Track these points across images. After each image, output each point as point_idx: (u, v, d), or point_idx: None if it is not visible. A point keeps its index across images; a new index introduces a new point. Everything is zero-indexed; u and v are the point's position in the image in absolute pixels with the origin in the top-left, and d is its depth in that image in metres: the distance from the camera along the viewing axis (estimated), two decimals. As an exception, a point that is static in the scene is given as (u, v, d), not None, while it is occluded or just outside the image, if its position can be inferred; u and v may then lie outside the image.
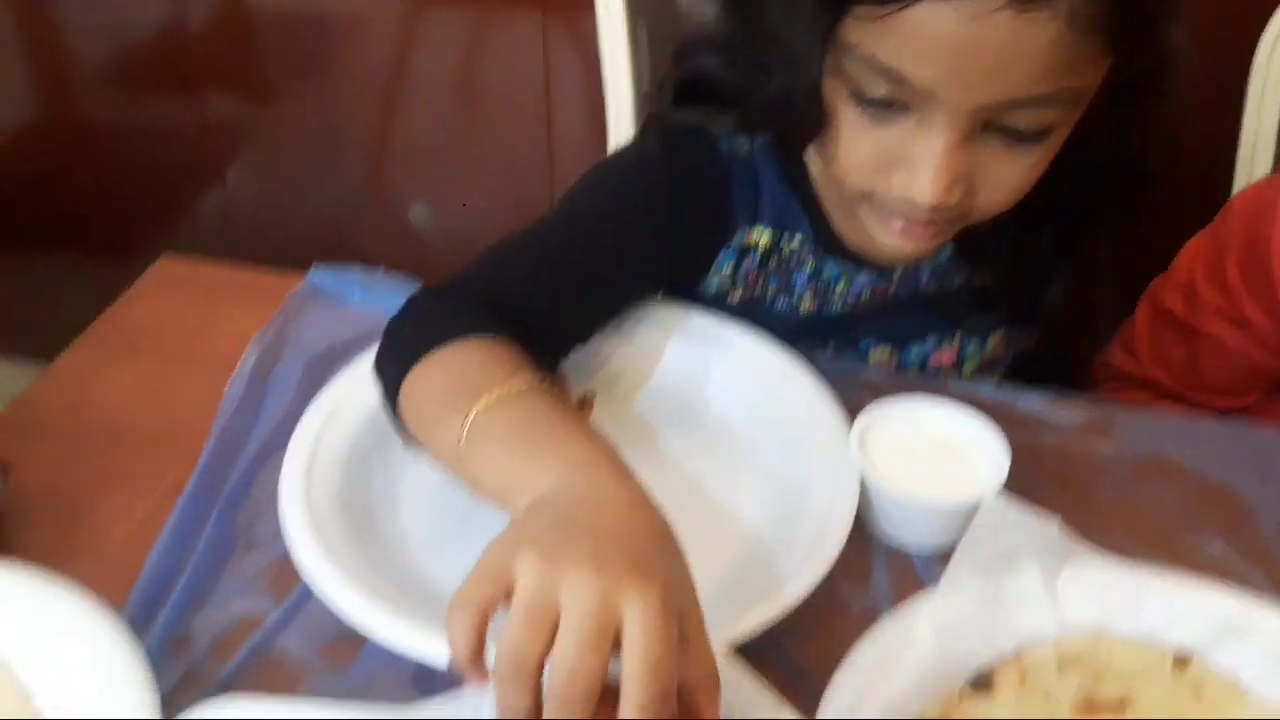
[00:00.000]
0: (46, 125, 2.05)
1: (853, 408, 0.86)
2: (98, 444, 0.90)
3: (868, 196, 0.83)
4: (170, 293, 1.07)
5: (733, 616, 0.71)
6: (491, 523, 0.76)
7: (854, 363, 1.01)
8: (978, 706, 0.67)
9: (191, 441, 0.88)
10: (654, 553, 0.57)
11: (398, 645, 0.69)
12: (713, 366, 0.94)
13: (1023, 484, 0.82)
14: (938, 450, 0.83)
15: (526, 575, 0.54)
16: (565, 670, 0.52)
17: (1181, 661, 0.71)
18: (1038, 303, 1.03)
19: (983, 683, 0.68)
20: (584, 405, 0.90)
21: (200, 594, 0.78)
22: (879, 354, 1.02)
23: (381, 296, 1.01)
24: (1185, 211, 1.16)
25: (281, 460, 0.82)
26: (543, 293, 0.85)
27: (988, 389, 0.97)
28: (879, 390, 0.89)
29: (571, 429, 0.67)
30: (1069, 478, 0.88)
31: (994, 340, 1.04)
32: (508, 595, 0.55)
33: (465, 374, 0.73)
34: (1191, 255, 1.05)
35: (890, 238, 0.85)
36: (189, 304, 1.06)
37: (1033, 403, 0.95)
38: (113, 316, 1.04)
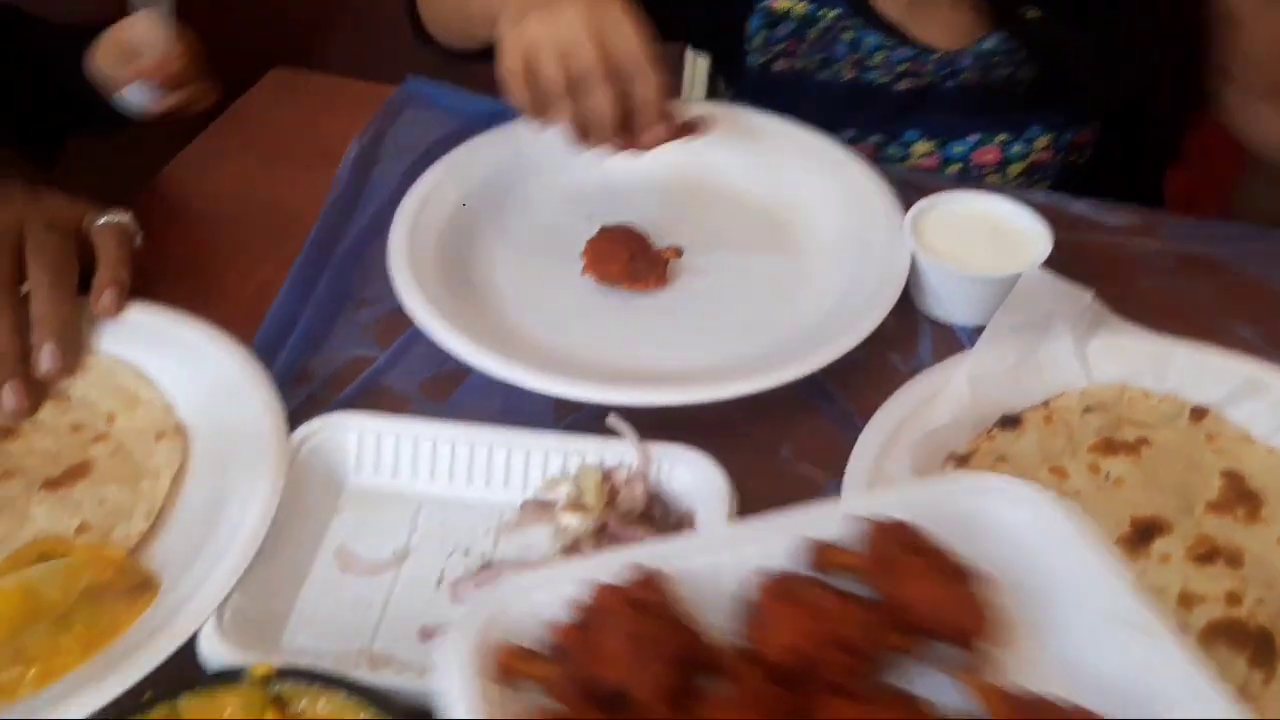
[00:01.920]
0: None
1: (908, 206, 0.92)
2: (220, 221, 1.00)
3: None
4: (279, 98, 1.17)
5: (791, 366, 0.80)
6: (565, 269, 0.87)
7: (907, 167, 1.08)
8: (1005, 439, 0.75)
9: (303, 221, 0.98)
10: None
11: (491, 371, 0.80)
12: (782, 165, 1.01)
13: (1069, 277, 0.88)
14: (985, 235, 0.90)
15: (538, 32, 0.80)
16: (586, 95, 0.81)
17: (1198, 413, 0.77)
18: (1085, 100, 1.06)
19: (1011, 421, 0.76)
20: (672, 255, 0.96)
21: (316, 339, 0.88)
22: (922, 148, 1.09)
23: (473, 100, 1.09)
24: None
25: (388, 234, 0.92)
26: None
27: (1040, 194, 1.03)
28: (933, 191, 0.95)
29: None
30: (1114, 273, 0.93)
31: (1040, 144, 1.09)
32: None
33: None
34: None
35: None
36: (296, 107, 1.15)
37: (1083, 207, 1.01)
38: (228, 117, 1.14)
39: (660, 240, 0.93)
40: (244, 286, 0.93)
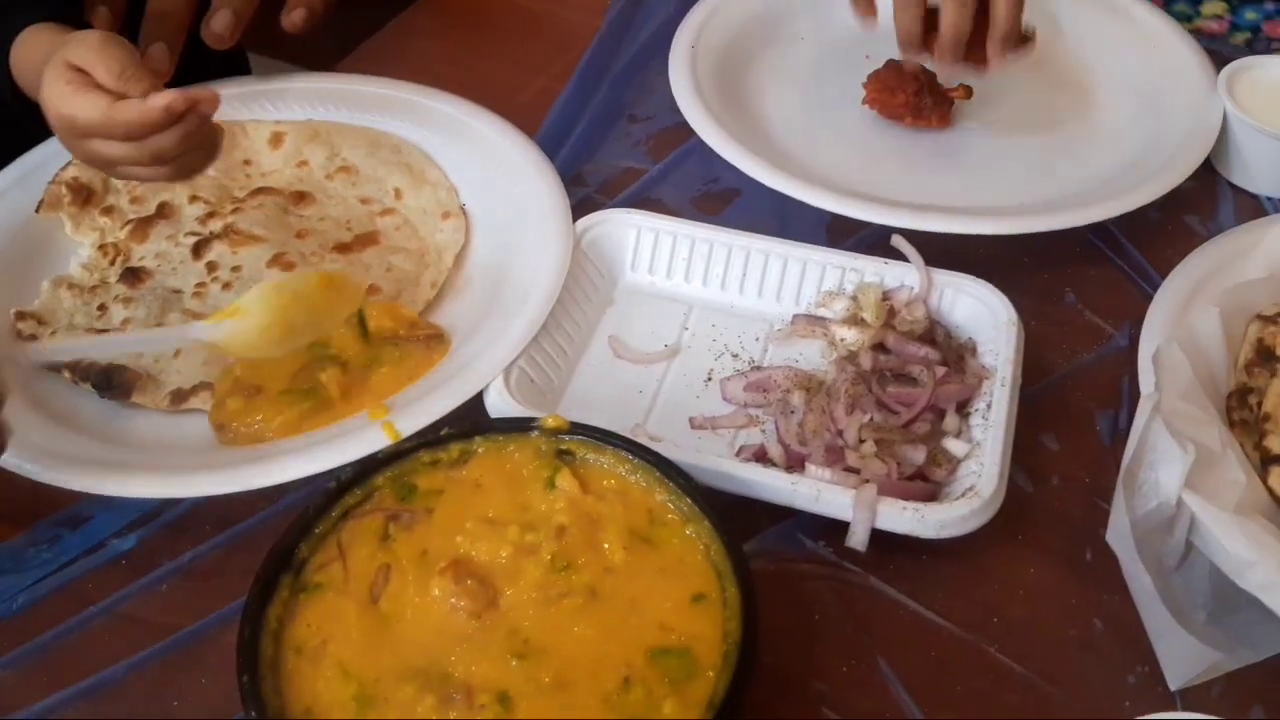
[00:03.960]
0: None
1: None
2: (501, 30, 1.01)
3: None
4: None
5: (1084, 210, 0.77)
6: (842, 102, 0.86)
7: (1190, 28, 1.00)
8: (1322, 304, 0.69)
9: (581, 37, 0.98)
10: None
11: (771, 184, 0.79)
12: (1071, 16, 0.95)
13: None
14: (1305, 100, 0.83)
15: None
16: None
17: None
18: None
19: (1330, 286, 0.70)
20: (961, 95, 0.91)
21: (590, 149, 0.88)
22: (1213, 8, 1.01)
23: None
24: None
25: (663, 57, 0.91)
26: None
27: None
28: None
29: None
30: None
31: None
32: None
33: None
34: None
35: None
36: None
37: None
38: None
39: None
40: (521, 93, 0.94)
